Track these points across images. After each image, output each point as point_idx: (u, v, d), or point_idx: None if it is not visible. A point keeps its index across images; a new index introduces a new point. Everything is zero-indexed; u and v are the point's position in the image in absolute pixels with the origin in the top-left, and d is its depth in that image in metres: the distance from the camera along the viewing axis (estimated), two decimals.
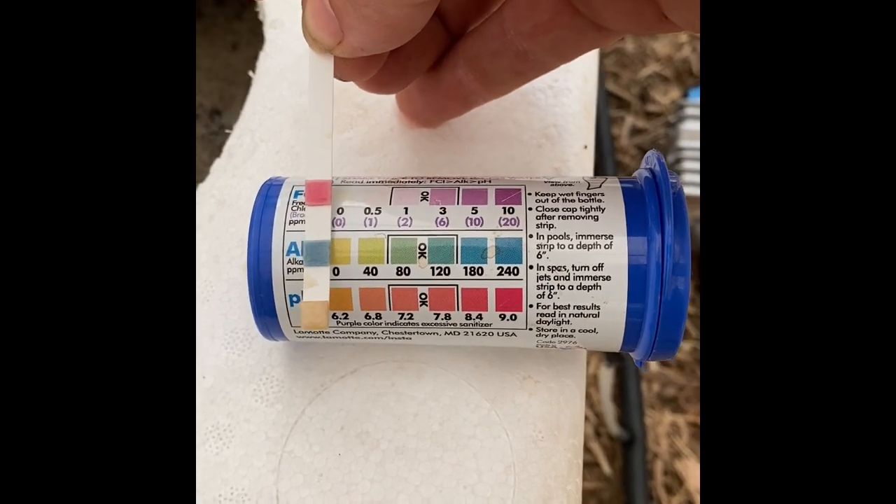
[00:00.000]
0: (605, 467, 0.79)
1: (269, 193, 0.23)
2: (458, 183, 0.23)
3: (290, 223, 0.22)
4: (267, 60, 0.32)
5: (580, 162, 0.30)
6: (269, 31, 0.33)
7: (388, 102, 0.31)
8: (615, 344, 0.23)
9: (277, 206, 0.23)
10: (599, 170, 0.92)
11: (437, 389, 0.25)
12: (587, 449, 0.79)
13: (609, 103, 1.01)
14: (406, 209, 0.22)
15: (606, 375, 0.81)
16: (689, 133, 0.86)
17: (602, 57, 1.03)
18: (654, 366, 0.83)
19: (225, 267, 0.27)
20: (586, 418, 0.81)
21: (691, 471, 0.78)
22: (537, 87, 0.31)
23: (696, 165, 0.82)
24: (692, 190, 0.82)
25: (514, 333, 0.23)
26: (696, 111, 0.85)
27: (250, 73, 0.32)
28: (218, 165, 0.30)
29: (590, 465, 0.79)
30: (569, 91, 0.31)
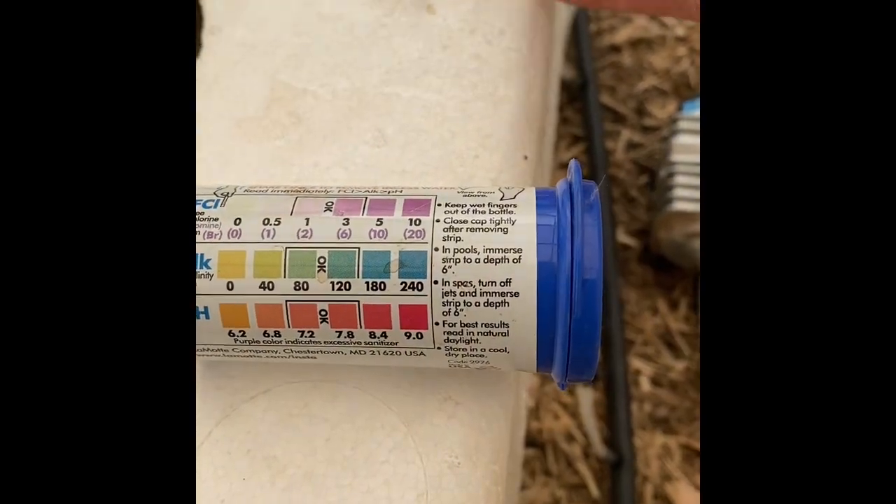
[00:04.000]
0: (593, 489, 0.77)
1: None
2: (366, 193, 0.22)
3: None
4: (201, 66, 0.31)
5: (519, 173, 0.28)
6: (206, 38, 0.32)
7: (321, 110, 0.30)
8: (530, 364, 0.22)
9: None
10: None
11: (352, 411, 0.24)
12: (575, 470, 0.77)
13: (605, 117, 1.00)
14: (307, 220, 0.21)
15: (586, 394, 0.79)
16: (682, 147, 0.84)
17: (598, 70, 1.02)
18: (645, 385, 0.81)
19: None
20: (573, 438, 0.80)
21: (682, 494, 0.76)
22: (477, 95, 0.30)
23: (689, 180, 0.81)
24: (685, 205, 0.80)
25: (422, 352, 0.21)
26: (690, 125, 0.83)
27: (201, 37, 0.31)
28: None
29: (577, 487, 0.77)
30: (509, 99, 0.29)
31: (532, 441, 0.79)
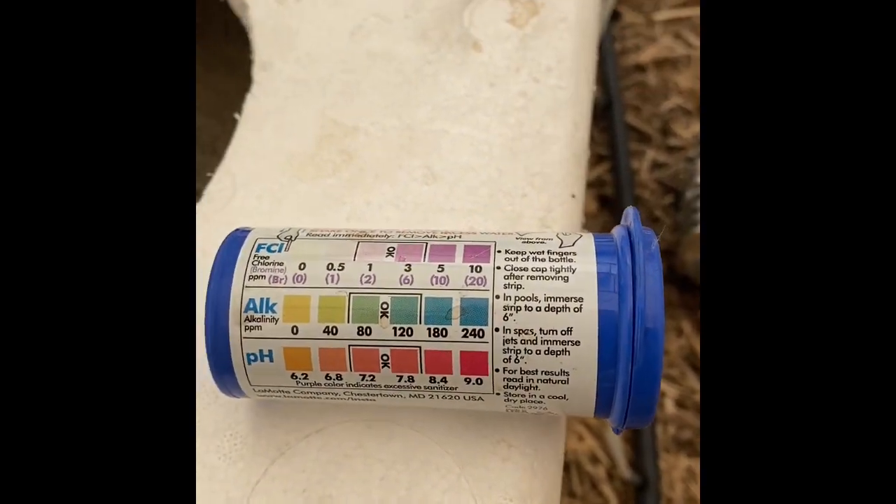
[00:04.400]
0: None
1: (231, 246, 0.23)
2: (426, 238, 0.22)
3: (249, 278, 0.22)
4: (253, 102, 0.32)
5: (567, 212, 0.29)
6: (258, 74, 0.33)
7: (371, 147, 0.30)
8: (588, 410, 0.22)
9: (238, 259, 0.22)
10: (617, 204, 0.91)
11: (406, 452, 0.24)
12: (599, 492, 0.77)
13: (629, 137, 1.00)
14: (370, 265, 0.22)
15: None
16: None
17: (623, 90, 1.02)
18: (670, 407, 0.81)
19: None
20: (598, 460, 0.79)
21: None
22: (524, 132, 0.30)
23: None
24: None
25: (480, 398, 0.22)
26: None
27: (236, 116, 0.32)
28: (197, 210, 0.29)
29: None
30: (557, 138, 0.30)
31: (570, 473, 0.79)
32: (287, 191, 0.29)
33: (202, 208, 0.29)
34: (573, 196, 0.29)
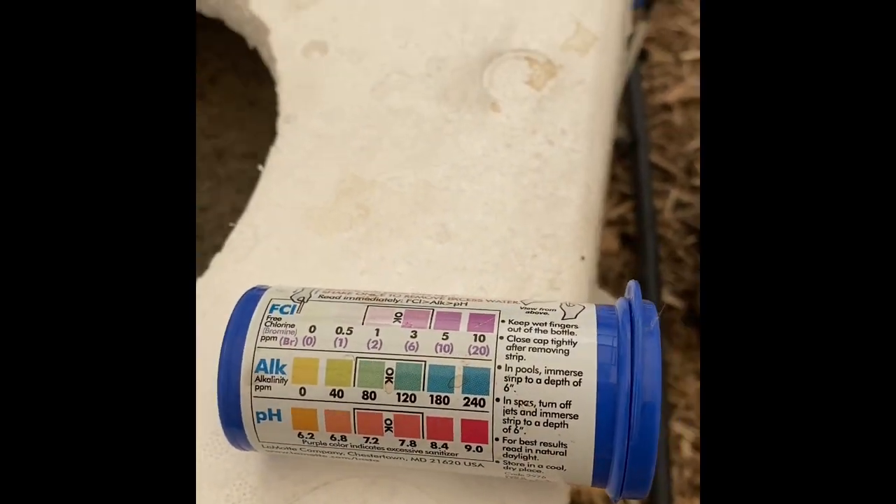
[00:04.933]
0: None
1: (246, 305, 0.24)
2: (433, 304, 0.23)
3: (262, 339, 0.23)
4: (276, 155, 0.33)
5: (576, 274, 0.29)
6: (282, 126, 0.34)
7: (388, 203, 0.31)
8: (585, 480, 0.22)
9: (252, 319, 0.23)
10: (639, 242, 0.91)
11: None
12: None
13: (654, 176, 1.00)
14: (377, 330, 0.22)
15: None
16: None
17: (649, 129, 1.02)
18: (686, 450, 0.80)
19: (211, 365, 0.28)
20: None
21: None
22: (537, 194, 0.31)
23: None
24: None
25: (480, 464, 0.22)
26: None
27: (259, 167, 0.33)
28: (218, 260, 0.30)
29: None
30: (570, 201, 0.30)
31: (571, 501, 0.79)
32: (305, 244, 0.30)
33: (224, 257, 0.30)
34: (582, 258, 0.30)
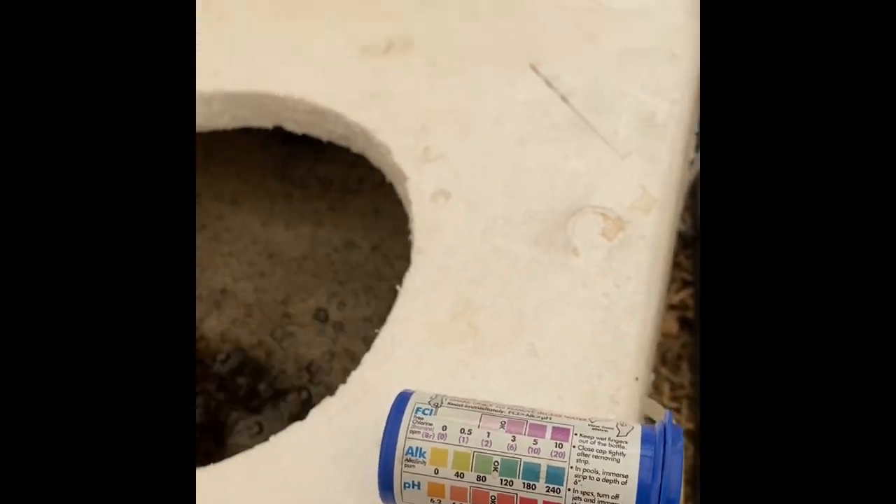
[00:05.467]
0: None
1: (399, 405, 0.34)
2: (527, 416, 0.34)
3: (410, 432, 0.33)
4: (409, 279, 0.44)
5: (632, 392, 0.39)
6: (415, 256, 0.45)
7: (492, 325, 0.42)
8: None
9: (403, 418, 0.34)
10: (697, 327, 0.99)
11: None
12: None
13: None
14: (488, 433, 0.33)
15: None
16: None
17: None
18: None
19: (367, 445, 0.39)
20: None
21: None
22: (606, 327, 0.41)
23: None
24: None
25: None
26: None
27: (397, 287, 0.44)
28: (367, 359, 0.41)
29: None
30: (630, 335, 0.40)
31: None
32: (429, 352, 0.41)
33: (370, 357, 0.42)
34: (636, 379, 0.40)
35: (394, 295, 0.44)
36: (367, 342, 0.43)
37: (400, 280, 0.44)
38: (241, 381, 0.55)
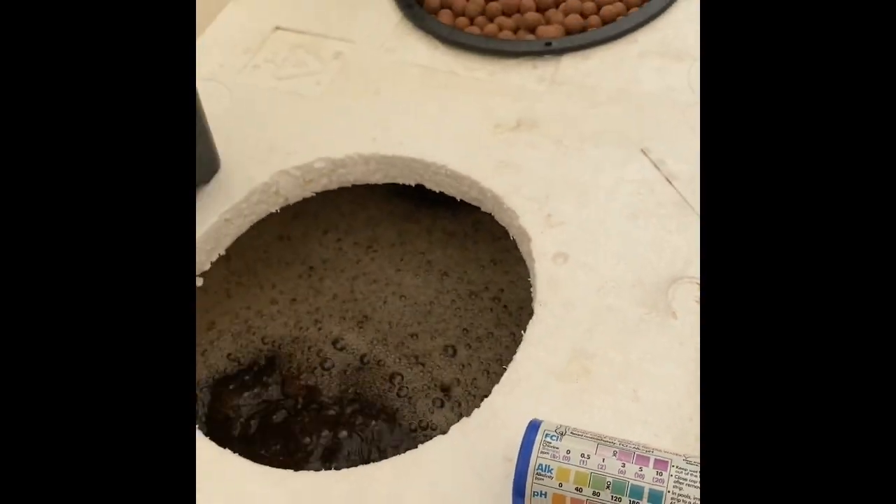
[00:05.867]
0: None
1: (532, 430, 0.44)
2: (634, 449, 0.42)
3: (541, 453, 0.43)
4: (532, 328, 0.54)
5: None
6: (538, 308, 0.55)
7: (601, 371, 0.51)
8: None
9: (535, 441, 0.43)
10: None
11: None
12: None
13: None
14: (603, 459, 0.42)
15: None
16: None
17: None
18: None
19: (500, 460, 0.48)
20: None
21: None
22: (696, 378, 0.49)
23: None
24: None
25: None
26: None
27: (522, 332, 0.54)
28: (498, 389, 0.51)
29: None
30: None
31: None
32: (549, 388, 0.50)
33: (498, 389, 0.51)
34: None
35: (513, 341, 0.53)
36: (490, 376, 0.52)
37: (518, 326, 0.54)
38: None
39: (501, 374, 0.52)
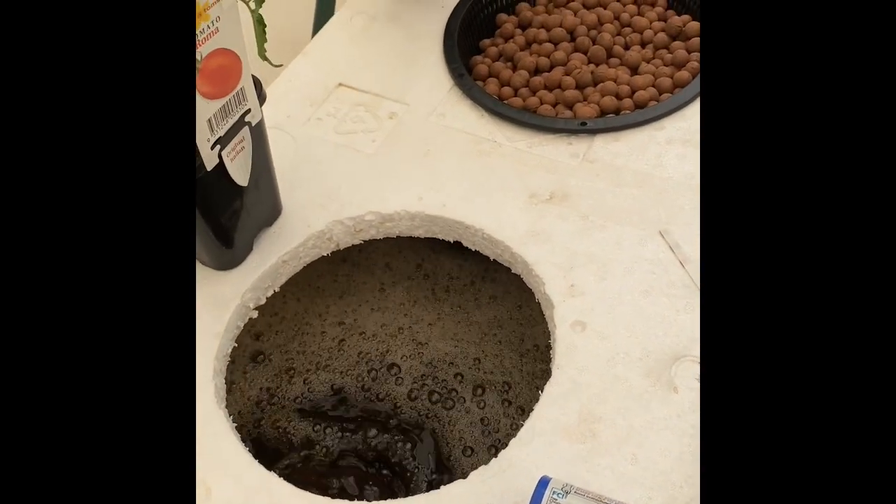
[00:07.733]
0: None
1: (541, 486, 0.51)
2: None
3: None
4: (549, 387, 0.61)
5: None
6: (555, 371, 0.62)
7: (606, 433, 0.58)
8: None
9: (545, 495, 0.50)
10: None
11: None
12: None
13: None
14: None
15: None
16: None
17: None
18: None
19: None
20: None
21: None
22: (693, 449, 0.56)
23: None
24: None
25: None
26: None
27: (539, 392, 0.61)
28: (513, 443, 0.58)
29: None
30: None
31: None
32: (557, 446, 0.58)
33: (514, 442, 0.58)
34: None
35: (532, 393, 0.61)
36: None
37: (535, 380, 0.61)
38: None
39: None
